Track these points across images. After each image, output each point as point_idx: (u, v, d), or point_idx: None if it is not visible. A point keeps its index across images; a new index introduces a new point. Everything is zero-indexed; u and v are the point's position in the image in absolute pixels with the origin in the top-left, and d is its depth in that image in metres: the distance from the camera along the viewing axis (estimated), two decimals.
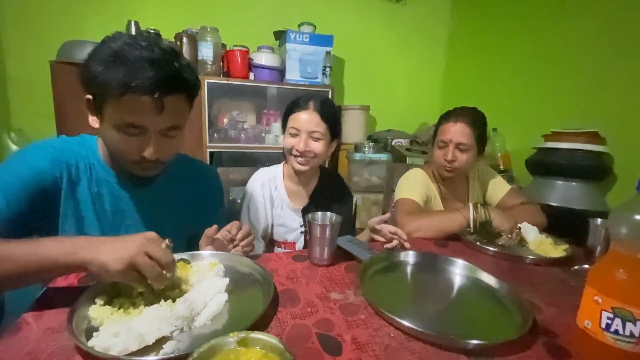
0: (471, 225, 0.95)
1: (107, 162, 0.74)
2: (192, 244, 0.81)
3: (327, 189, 1.13)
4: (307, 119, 0.99)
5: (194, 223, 0.83)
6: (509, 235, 0.91)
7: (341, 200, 1.15)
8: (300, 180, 1.09)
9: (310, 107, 0.99)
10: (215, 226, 0.74)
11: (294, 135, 1.00)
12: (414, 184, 1.15)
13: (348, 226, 1.14)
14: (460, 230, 0.96)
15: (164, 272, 0.51)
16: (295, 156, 1.00)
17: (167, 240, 0.55)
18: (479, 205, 0.97)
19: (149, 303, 0.52)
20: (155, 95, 0.61)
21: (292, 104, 1.02)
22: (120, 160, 0.69)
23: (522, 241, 0.93)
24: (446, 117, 1.14)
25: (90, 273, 0.53)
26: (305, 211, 1.07)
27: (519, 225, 0.95)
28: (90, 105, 0.67)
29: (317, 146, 1.00)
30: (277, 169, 1.11)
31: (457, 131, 1.09)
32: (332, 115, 1.02)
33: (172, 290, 0.56)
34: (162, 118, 0.64)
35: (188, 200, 0.86)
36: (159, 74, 0.61)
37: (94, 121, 0.68)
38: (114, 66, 0.60)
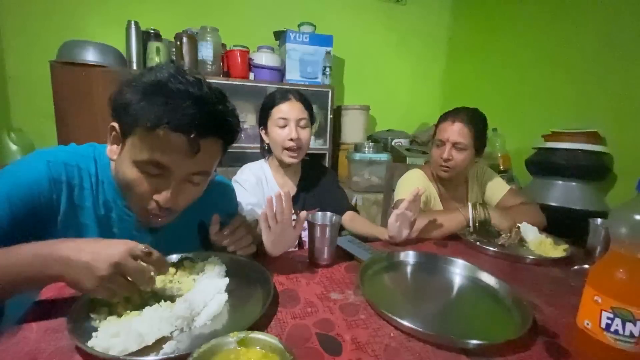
0: (470, 225, 0.95)
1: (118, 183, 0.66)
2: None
3: (311, 174, 1.17)
4: (292, 108, 1.02)
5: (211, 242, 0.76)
6: (508, 234, 0.91)
7: (326, 180, 1.19)
8: (287, 173, 1.12)
9: (292, 98, 1.03)
10: (216, 216, 0.69)
11: (282, 126, 1.02)
12: (413, 185, 1.15)
13: (343, 199, 1.18)
14: (459, 230, 0.97)
15: (152, 273, 0.50)
16: (289, 148, 1.02)
17: (144, 245, 0.51)
18: (477, 204, 0.98)
19: (149, 303, 0.52)
20: (192, 135, 0.55)
21: (271, 98, 1.05)
22: (130, 202, 0.63)
23: (522, 241, 0.93)
24: (445, 117, 1.15)
25: (68, 280, 0.47)
26: (294, 200, 1.10)
27: (518, 224, 0.95)
28: (113, 134, 0.60)
29: (305, 134, 1.04)
30: (263, 165, 1.13)
31: (455, 130, 1.10)
32: (309, 102, 1.08)
33: (170, 290, 0.56)
34: (193, 161, 0.57)
35: (206, 219, 0.77)
36: (201, 112, 0.55)
37: (112, 152, 0.61)
38: (153, 95, 0.54)
